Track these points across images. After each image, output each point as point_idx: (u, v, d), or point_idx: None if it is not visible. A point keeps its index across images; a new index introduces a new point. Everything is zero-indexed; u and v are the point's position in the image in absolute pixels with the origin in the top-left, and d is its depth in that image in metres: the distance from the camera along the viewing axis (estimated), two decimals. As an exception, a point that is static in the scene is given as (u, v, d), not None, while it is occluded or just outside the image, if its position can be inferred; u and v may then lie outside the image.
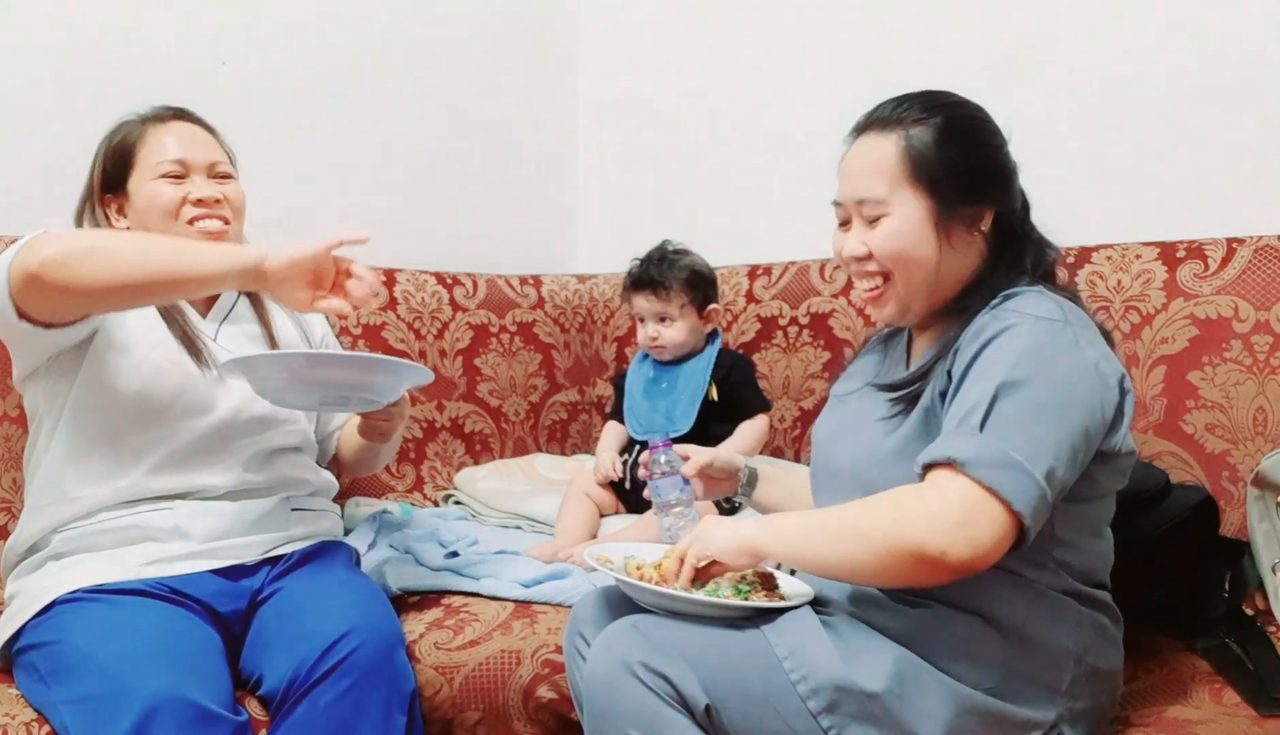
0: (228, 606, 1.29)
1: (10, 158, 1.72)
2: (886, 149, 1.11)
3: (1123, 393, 1.06)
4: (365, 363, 1.29)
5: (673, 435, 1.73)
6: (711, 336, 1.84)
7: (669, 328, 1.78)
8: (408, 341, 2.09)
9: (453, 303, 2.19)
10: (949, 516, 0.95)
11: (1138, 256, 1.54)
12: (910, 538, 0.96)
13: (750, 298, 2.07)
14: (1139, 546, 1.31)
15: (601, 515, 1.78)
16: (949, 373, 1.07)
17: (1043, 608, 1.06)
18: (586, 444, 2.35)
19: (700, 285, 1.78)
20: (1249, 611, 1.29)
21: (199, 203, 1.37)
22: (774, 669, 1.03)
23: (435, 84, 2.35)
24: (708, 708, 1.02)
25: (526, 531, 1.85)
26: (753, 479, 1.37)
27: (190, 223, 1.37)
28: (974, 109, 1.14)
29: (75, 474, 1.31)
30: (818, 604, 1.14)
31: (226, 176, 1.43)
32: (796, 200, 2.24)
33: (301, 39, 2.12)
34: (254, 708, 1.22)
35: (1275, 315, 1.41)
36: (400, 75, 2.29)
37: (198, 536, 1.31)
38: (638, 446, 1.80)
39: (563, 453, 2.30)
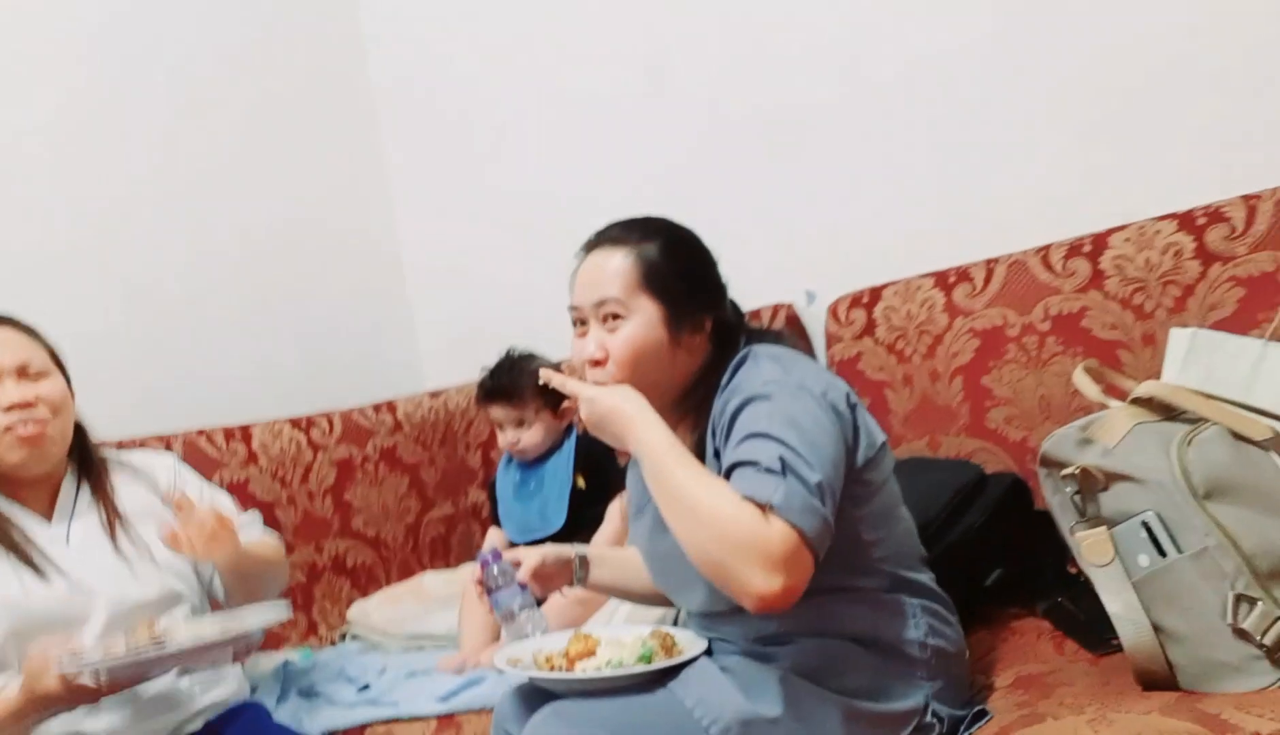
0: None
1: None
2: (620, 259, 1.25)
3: (851, 407, 1.22)
4: (191, 653, 1.27)
5: (548, 532, 1.83)
6: (567, 429, 1.96)
7: (527, 431, 1.89)
8: (274, 491, 2.11)
9: (311, 444, 2.23)
10: (777, 565, 1.04)
11: (919, 287, 1.78)
12: (744, 576, 1.05)
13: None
14: (969, 535, 1.51)
15: (502, 618, 1.85)
16: (716, 451, 1.20)
17: (883, 611, 1.22)
18: (470, 553, 2.41)
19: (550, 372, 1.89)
20: (1073, 571, 1.50)
21: (9, 409, 1.36)
22: (686, 719, 1.14)
23: (258, 243, 2.41)
24: (637, 770, 1.11)
25: (430, 650, 1.90)
26: (584, 565, 1.43)
27: (7, 430, 1.35)
28: (688, 232, 1.31)
29: None
30: (710, 653, 1.26)
31: (40, 375, 1.41)
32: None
33: (130, 218, 2.15)
34: None
35: (1036, 317, 1.65)
36: (224, 241, 2.34)
37: (102, 733, 1.31)
38: (521, 547, 1.88)
39: (449, 565, 2.35)
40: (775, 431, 1.12)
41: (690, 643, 1.29)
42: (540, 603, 1.41)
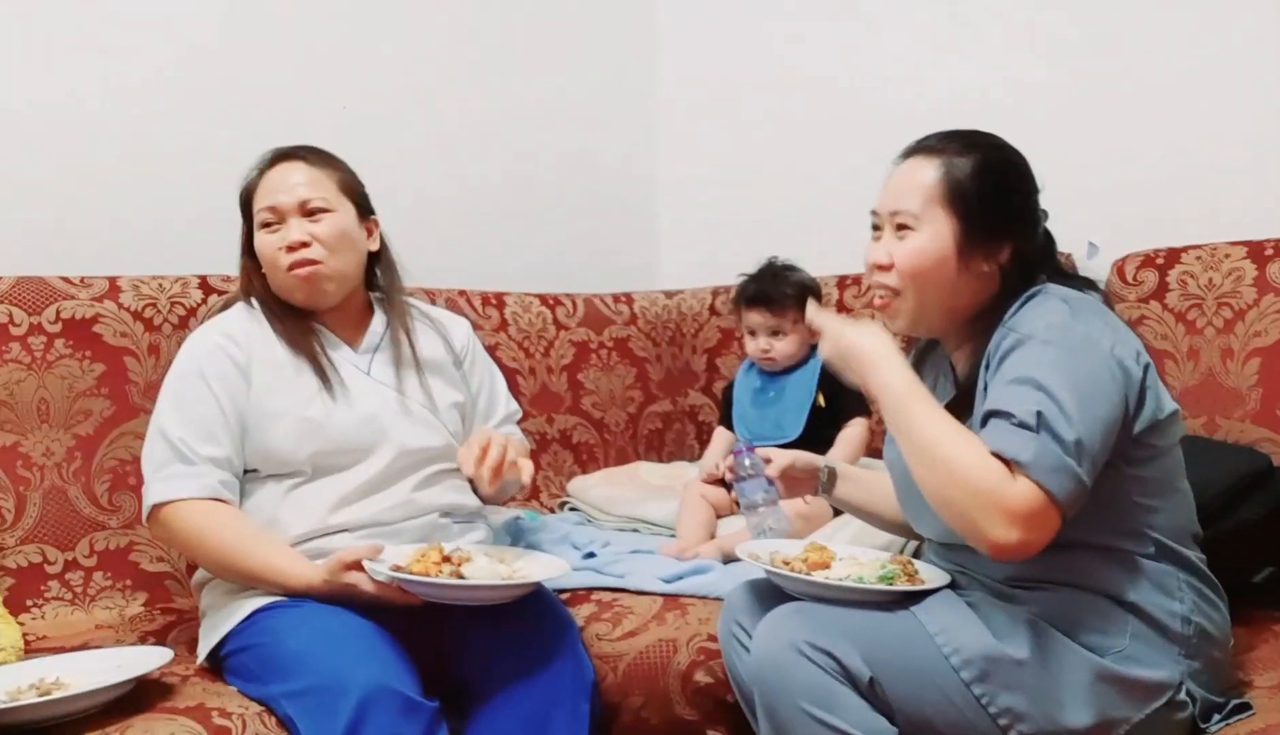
0: (407, 612, 1.41)
1: (143, 202, 1.88)
2: (928, 171, 1.23)
3: (1143, 367, 1.15)
4: (499, 590, 1.32)
5: (782, 442, 1.85)
6: (814, 347, 1.95)
7: (781, 341, 1.90)
8: (518, 359, 2.22)
9: (556, 322, 2.32)
10: (1017, 520, 1.05)
11: (1227, 255, 1.64)
12: (984, 526, 1.06)
13: (840, 306, 2.18)
14: (1245, 526, 1.41)
15: (718, 516, 1.90)
16: (985, 384, 1.17)
17: (1145, 577, 1.16)
18: (681, 452, 2.47)
19: (812, 300, 1.90)
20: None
21: (289, 249, 1.44)
22: (927, 645, 1.14)
23: (526, 120, 2.49)
24: (871, 680, 1.12)
25: (644, 534, 1.97)
26: (831, 478, 1.46)
27: (288, 270, 1.44)
28: (1013, 153, 1.25)
29: (261, 517, 1.43)
30: (953, 587, 1.25)
31: (320, 212, 1.46)
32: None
33: (412, 90, 2.28)
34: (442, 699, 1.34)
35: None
36: (497, 118, 2.44)
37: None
38: (772, 448, 1.92)
39: (660, 460, 2.42)
40: (1042, 379, 1.09)
41: (932, 575, 1.28)
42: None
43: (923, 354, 1.40)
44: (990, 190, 1.22)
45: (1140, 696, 1.14)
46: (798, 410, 1.86)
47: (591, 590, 1.62)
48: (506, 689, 1.30)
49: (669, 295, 2.56)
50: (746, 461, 1.39)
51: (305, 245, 1.44)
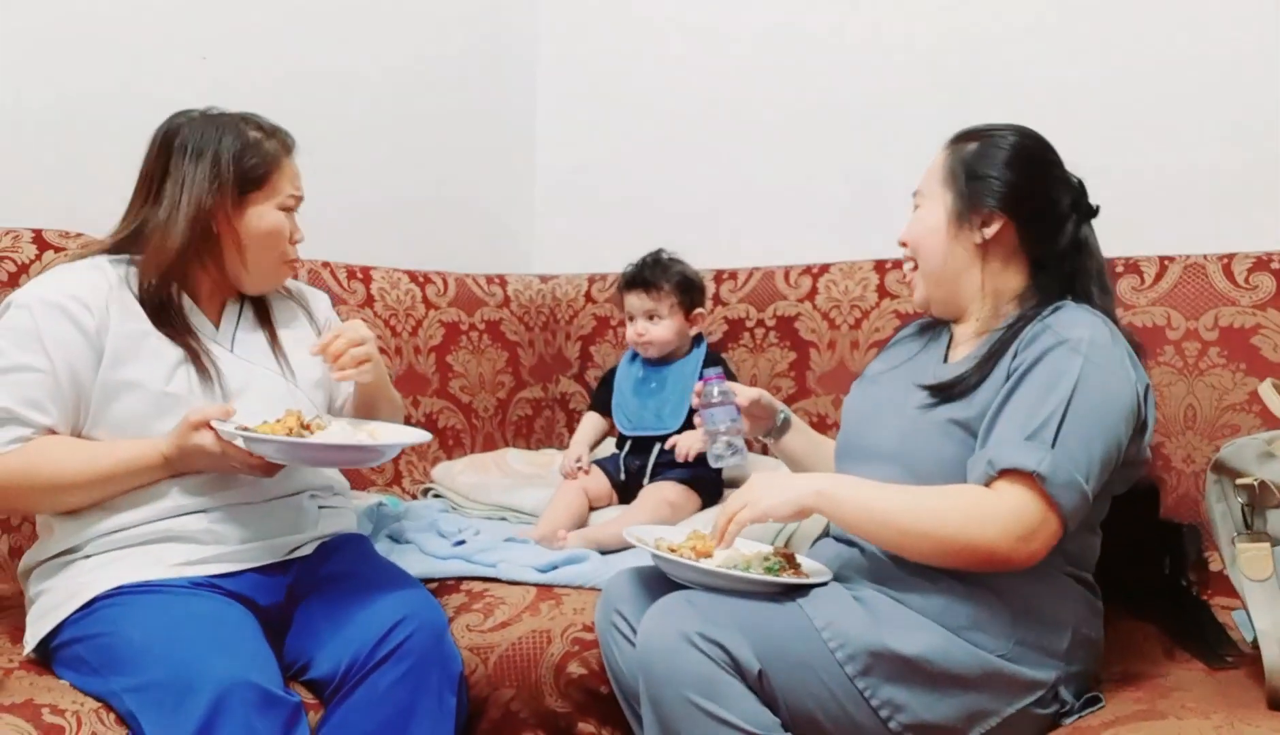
0: (268, 599, 1.32)
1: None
2: (943, 156, 1.33)
3: (1149, 405, 1.22)
4: (352, 451, 1.34)
5: (662, 433, 1.85)
6: (696, 341, 1.96)
7: (657, 325, 1.89)
8: (385, 338, 2.12)
9: (425, 301, 2.23)
10: (1018, 529, 1.11)
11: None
12: (982, 543, 1.11)
13: (717, 300, 2.19)
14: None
15: (592, 508, 1.87)
16: (1008, 372, 1.20)
17: (1045, 585, 1.20)
18: (550, 439, 2.43)
19: (690, 290, 1.90)
20: (1189, 580, 1.49)
21: (295, 243, 1.44)
22: (813, 638, 1.15)
23: (401, 86, 2.40)
24: (759, 673, 1.12)
25: (512, 523, 1.92)
26: (785, 423, 1.50)
27: (290, 262, 1.44)
28: (1027, 140, 1.30)
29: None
30: (841, 580, 1.26)
31: None
32: (758, 207, 2.38)
33: (279, 43, 2.14)
34: (302, 692, 1.26)
35: (1203, 325, 1.61)
36: (368, 82, 2.32)
37: (231, 539, 1.32)
38: (629, 443, 1.91)
39: (529, 448, 2.38)
40: (1075, 393, 1.13)
41: (815, 568, 1.29)
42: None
43: (921, 331, 1.43)
44: (983, 165, 1.29)
45: (1015, 692, 1.18)
46: (679, 402, 1.86)
47: (461, 580, 1.56)
48: (367, 682, 1.23)
49: (544, 279, 2.51)
50: (715, 389, 1.40)
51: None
